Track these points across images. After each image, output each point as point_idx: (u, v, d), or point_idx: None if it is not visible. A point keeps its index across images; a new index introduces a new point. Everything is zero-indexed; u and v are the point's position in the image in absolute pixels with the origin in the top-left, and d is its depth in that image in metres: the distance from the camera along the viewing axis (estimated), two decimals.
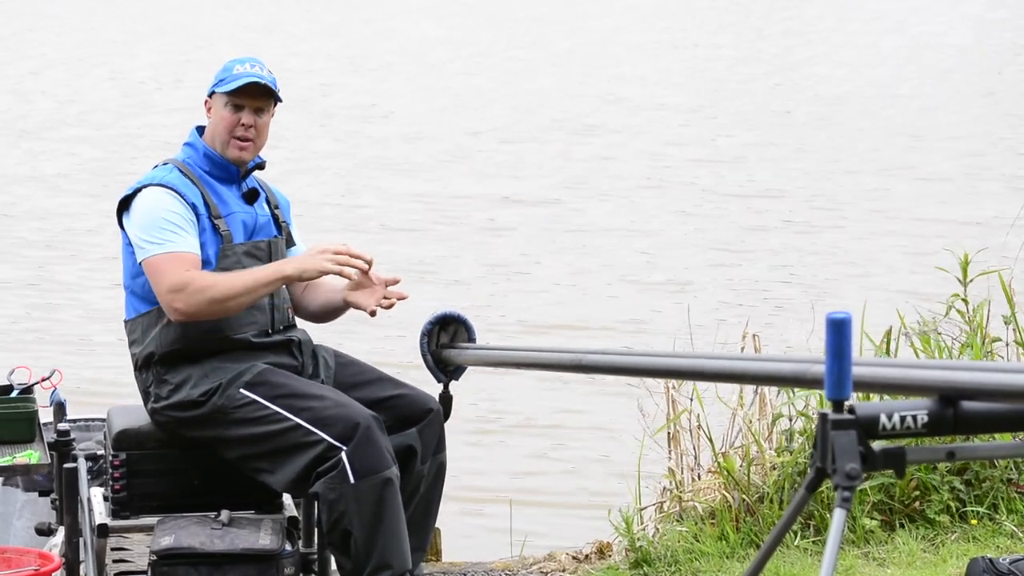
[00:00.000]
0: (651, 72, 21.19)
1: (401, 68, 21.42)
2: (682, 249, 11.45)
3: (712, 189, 13.68)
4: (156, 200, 4.07)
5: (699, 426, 5.57)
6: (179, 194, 4.08)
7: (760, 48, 24.07)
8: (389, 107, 18.07)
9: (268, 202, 4.29)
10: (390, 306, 4.16)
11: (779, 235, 12.03)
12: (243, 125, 4.14)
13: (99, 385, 7.80)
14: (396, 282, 4.20)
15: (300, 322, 4.33)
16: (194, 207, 4.08)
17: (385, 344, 8.39)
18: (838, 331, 2.21)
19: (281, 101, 4.23)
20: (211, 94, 4.21)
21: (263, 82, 4.15)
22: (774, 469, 5.33)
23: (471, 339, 4.14)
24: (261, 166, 4.26)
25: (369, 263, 4.07)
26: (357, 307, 4.21)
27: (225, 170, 4.18)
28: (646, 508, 5.56)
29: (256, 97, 4.16)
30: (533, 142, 15.81)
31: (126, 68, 21.30)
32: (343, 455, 3.86)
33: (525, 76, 20.39)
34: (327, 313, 4.35)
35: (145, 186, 4.11)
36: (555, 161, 14.74)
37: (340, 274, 4.05)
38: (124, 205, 4.15)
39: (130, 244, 4.13)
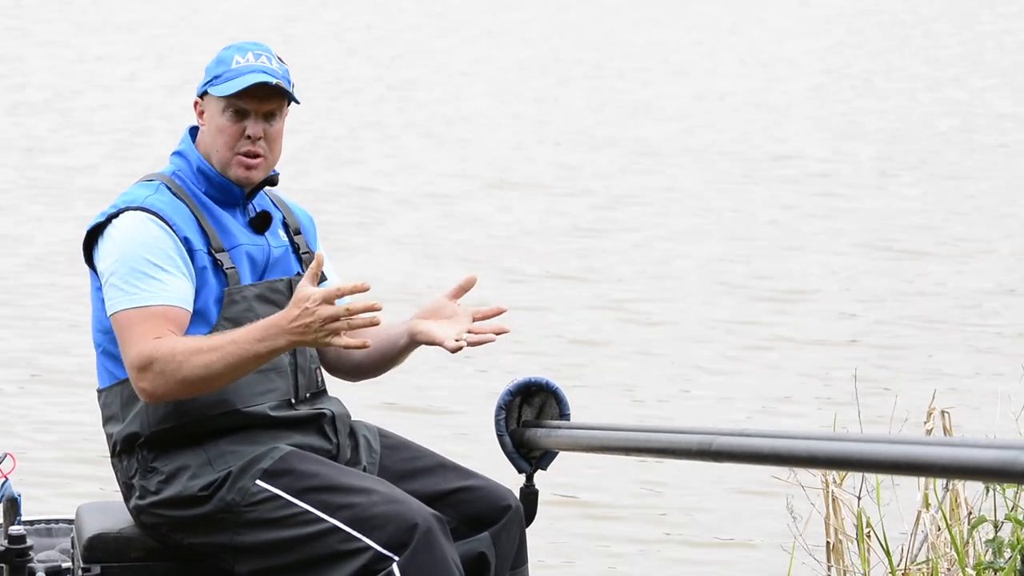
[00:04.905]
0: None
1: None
2: (842, 288, 11.15)
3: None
4: (134, 230, 3.77)
5: (869, 534, 5.32)
6: (166, 222, 3.77)
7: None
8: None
9: (286, 226, 3.97)
10: (478, 342, 3.76)
11: (979, 268, 11.74)
12: (249, 138, 3.79)
13: (65, 474, 7.48)
14: (497, 313, 3.80)
15: (330, 386, 3.99)
16: (187, 241, 3.77)
17: (445, 419, 8.15)
18: None
19: (298, 103, 3.85)
20: (202, 94, 3.84)
21: (274, 81, 3.77)
22: None
23: (563, 414, 3.92)
24: (272, 181, 3.93)
25: (379, 310, 3.64)
26: (430, 341, 3.80)
27: (226, 192, 3.85)
28: None
29: (264, 100, 3.80)
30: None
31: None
32: (394, 568, 3.64)
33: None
34: (381, 363, 3.99)
35: (123, 210, 3.79)
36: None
37: (348, 347, 3.64)
38: (94, 236, 3.82)
39: (101, 288, 3.79)
